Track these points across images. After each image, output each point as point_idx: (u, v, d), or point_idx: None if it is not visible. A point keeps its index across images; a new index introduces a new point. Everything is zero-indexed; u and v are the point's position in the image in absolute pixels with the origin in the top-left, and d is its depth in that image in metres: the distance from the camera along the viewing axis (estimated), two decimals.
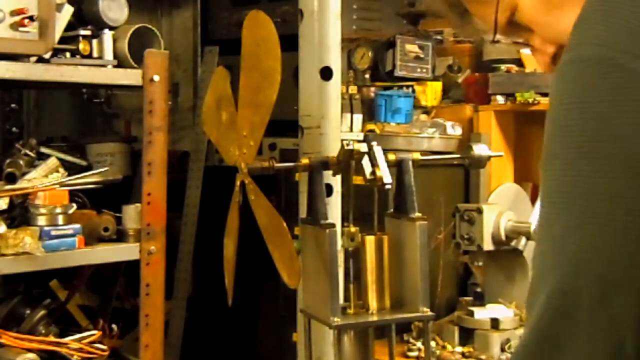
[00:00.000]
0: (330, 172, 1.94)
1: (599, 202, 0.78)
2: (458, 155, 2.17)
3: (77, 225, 2.20)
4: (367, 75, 3.05)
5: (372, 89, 3.00)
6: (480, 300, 2.75)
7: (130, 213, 2.35)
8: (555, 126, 0.82)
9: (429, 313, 1.85)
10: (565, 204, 0.80)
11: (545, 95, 2.88)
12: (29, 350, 2.10)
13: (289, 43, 2.09)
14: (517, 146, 3.14)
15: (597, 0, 0.83)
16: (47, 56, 2.14)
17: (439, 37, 3.24)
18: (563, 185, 0.81)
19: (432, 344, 2.52)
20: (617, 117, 0.77)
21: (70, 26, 2.24)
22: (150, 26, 2.42)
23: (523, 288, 2.74)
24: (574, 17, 0.91)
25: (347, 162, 1.88)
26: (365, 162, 1.85)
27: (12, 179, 2.26)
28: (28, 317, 2.28)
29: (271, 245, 1.88)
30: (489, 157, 2.01)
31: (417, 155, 1.97)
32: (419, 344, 2.60)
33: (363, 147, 1.86)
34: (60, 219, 2.18)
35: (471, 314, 2.59)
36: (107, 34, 2.31)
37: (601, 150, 0.77)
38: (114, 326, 2.32)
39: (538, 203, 2.69)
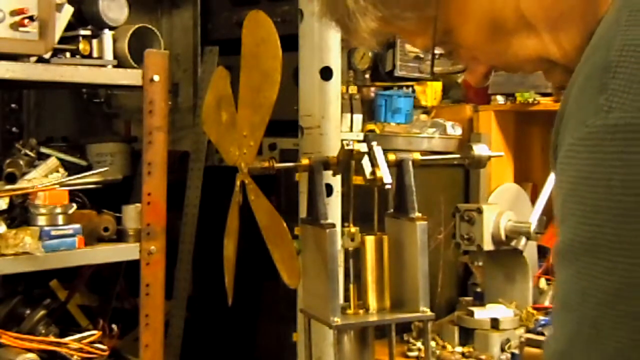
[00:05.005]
0: (330, 172, 1.94)
1: None
2: (458, 155, 2.17)
3: (77, 225, 2.20)
4: (367, 75, 3.05)
5: (372, 89, 2.99)
6: (480, 300, 2.75)
7: (130, 213, 2.35)
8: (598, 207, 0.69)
9: (429, 313, 1.85)
10: (622, 324, 0.68)
11: (545, 95, 2.88)
12: (29, 350, 2.10)
13: (289, 43, 2.09)
14: (517, 146, 3.14)
15: None
16: (47, 56, 2.14)
17: None
18: (611, 295, 0.69)
19: (432, 344, 2.52)
20: None
21: (70, 26, 2.24)
22: (150, 26, 2.42)
23: (523, 288, 2.75)
24: (526, 43, 0.90)
25: (347, 162, 1.88)
26: (365, 162, 1.85)
27: (12, 179, 2.26)
28: (28, 317, 2.28)
29: (271, 245, 1.88)
30: (489, 157, 2.01)
31: (417, 155, 1.97)
32: (419, 344, 2.60)
33: (363, 147, 1.85)
34: (60, 219, 2.18)
35: (471, 314, 2.59)
36: (107, 34, 2.31)
37: None
38: (114, 326, 2.32)
39: (538, 203, 2.70)
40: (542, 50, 0.90)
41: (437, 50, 0.98)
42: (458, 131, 2.94)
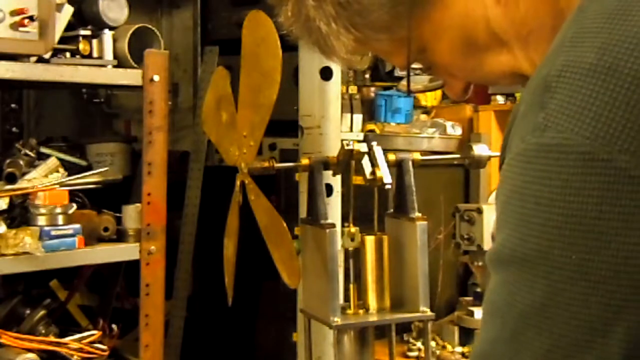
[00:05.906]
0: (330, 172, 1.94)
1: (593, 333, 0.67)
2: (458, 155, 2.17)
3: (77, 225, 2.20)
4: (367, 75, 3.05)
5: (372, 89, 2.99)
6: (480, 300, 2.74)
7: (130, 213, 2.35)
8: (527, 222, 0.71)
9: (429, 313, 1.85)
10: (540, 330, 0.69)
11: None
12: (29, 350, 2.10)
13: (289, 43, 2.09)
14: None
15: (590, 75, 0.69)
16: (47, 56, 2.15)
17: None
18: (531, 307, 0.70)
19: (432, 344, 2.52)
20: (610, 225, 0.66)
21: (70, 26, 2.24)
22: (150, 26, 2.42)
23: None
24: (499, 59, 0.91)
25: (347, 162, 1.88)
26: (365, 162, 1.85)
27: (12, 179, 2.26)
28: (28, 317, 2.28)
29: (271, 245, 1.88)
30: (489, 157, 2.01)
31: (417, 155, 1.96)
32: (419, 344, 2.60)
33: (363, 147, 1.85)
34: (60, 219, 2.18)
35: (471, 314, 2.59)
36: (107, 34, 2.31)
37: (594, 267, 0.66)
38: (114, 326, 2.32)
39: None
40: (515, 66, 0.91)
41: (416, 65, 0.99)
42: (458, 131, 2.94)
